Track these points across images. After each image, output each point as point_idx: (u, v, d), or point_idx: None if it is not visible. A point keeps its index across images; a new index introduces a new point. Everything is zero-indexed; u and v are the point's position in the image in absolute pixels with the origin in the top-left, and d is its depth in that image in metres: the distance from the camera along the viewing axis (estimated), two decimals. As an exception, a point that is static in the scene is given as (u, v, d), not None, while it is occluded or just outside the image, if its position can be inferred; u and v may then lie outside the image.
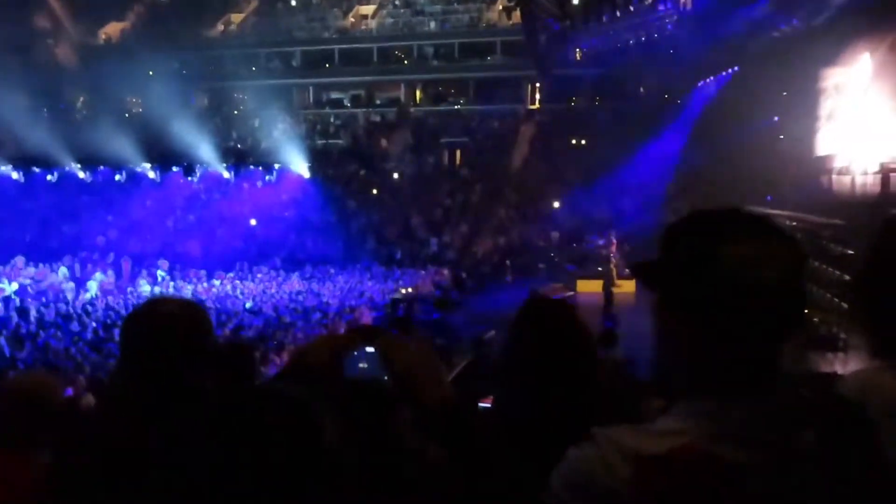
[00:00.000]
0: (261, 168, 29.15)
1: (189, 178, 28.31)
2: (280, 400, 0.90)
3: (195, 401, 1.45)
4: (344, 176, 29.28)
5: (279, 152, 28.38)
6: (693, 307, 0.91)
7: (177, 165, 28.70)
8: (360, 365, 1.36)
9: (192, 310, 1.58)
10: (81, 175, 29.26)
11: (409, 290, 20.48)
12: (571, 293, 18.20)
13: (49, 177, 29.09)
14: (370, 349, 1.37)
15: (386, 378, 1.28)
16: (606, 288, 15.83)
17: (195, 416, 0.92)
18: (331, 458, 0.86)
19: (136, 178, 29.30)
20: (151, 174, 29.14)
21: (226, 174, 28.97)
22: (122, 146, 27.53)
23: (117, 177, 29.21)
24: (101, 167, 29.08)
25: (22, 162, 28.52)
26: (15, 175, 28.55)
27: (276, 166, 28.72)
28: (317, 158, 29.24)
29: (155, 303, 1.57)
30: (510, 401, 1.83)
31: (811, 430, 0.91)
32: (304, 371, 1.38)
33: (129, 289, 20.65)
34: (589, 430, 1.55)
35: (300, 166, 28.51)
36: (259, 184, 29.15)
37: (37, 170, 28.82)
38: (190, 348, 1.50)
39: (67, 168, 28.83)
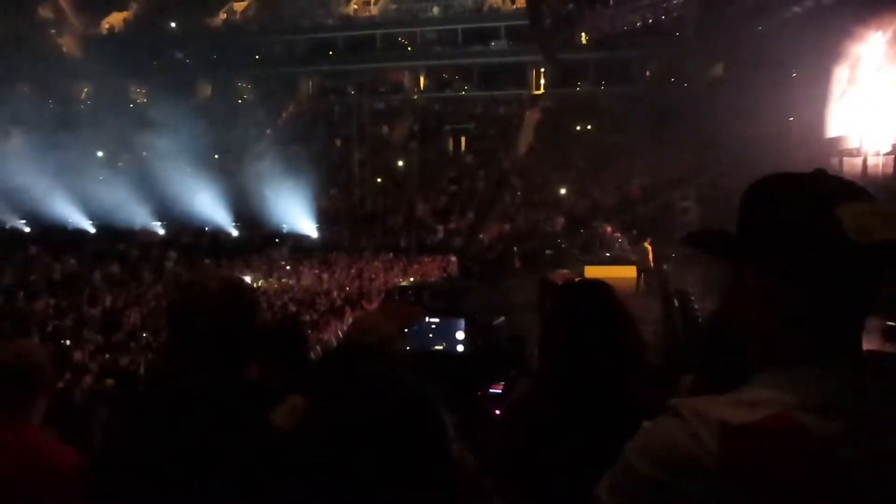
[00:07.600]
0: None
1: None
2: (404, 396, 0.80)
3: (251, 389, 1.36)
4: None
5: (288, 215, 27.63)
6: (800, 272, 0.86)
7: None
8: (431, 337, 1.31)
9: (241, 286, 1.49)
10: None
11: (417, 277, 20.43)
12: (580, 279, 18.15)
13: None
14: (437, 320, 1.32)
15: (461, 349, 1.23)
16: (643, 268, 15.99)
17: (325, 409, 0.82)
18: (453, 457, 0.78)
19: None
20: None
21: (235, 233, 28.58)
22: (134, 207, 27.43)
23: None
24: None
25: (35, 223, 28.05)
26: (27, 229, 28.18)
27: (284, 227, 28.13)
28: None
29: (203, 279, 1.47)
30: (553, 378, 1.77)
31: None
32: (368, 344, 1.32)
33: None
34: (635, 406, 1.51)
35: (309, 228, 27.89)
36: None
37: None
38: (242, 327, 1.40)
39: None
